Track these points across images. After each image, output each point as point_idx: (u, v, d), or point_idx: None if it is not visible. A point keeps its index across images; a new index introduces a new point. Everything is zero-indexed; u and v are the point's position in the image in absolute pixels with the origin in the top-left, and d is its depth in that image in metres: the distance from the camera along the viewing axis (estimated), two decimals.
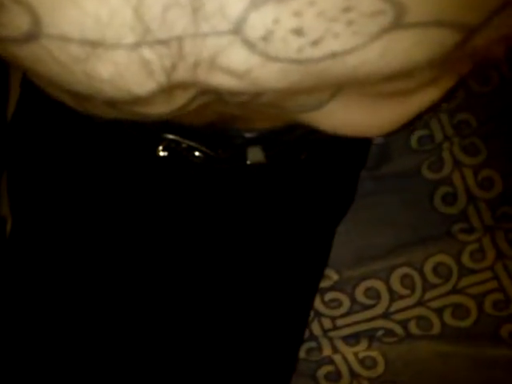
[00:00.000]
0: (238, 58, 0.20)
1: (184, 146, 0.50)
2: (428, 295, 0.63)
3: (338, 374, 0.64)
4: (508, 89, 0.63)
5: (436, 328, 0.63)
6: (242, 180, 0.56)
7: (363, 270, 0.63)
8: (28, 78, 0.27)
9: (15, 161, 0.60)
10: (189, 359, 0.59)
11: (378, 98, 0.28)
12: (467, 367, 0.62)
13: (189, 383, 0.59)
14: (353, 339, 0.64)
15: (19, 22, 0.19)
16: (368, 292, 0.63)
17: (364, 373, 0.64)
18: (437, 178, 0.63)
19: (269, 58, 0.20)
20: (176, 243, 0.58)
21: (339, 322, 0.64)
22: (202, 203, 0.57)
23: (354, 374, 0.64)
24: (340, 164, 0.62)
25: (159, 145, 0.50)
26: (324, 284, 0.64)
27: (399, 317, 0.63)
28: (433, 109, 0.30)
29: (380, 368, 0.63)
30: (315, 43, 0.20)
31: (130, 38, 0.20)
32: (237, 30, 0.20)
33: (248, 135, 0.48)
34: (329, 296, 0.64)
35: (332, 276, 0.64)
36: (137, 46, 0.20)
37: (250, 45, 0.20)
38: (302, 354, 0.64)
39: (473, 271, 0.63)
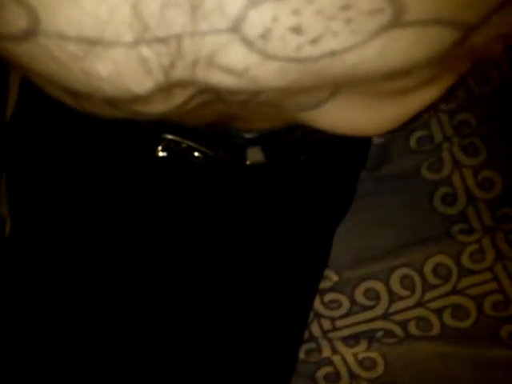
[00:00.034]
0: (236, 56, 0.20)
1: (183, 146, 0.50)
2: (428, 296, 0.63)
3: (337, 375, 0.64)
4: (508, 89, 0.63)
5: (436, 329, 0.63)
6: (241, 180, 0.56)
7: (363, 271, 0.63)
8: (27, 78, 0.27)
9: (14, 162, 0.60)
10: (188, 360, 0.59)
11: (378, 97, 0.28)
12: (467, 368, 0.62)
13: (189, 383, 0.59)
14: (352, 340, 0.64)
15: (17, 20, 0.19)
16: (368, 293, 0.63)
17: (363, 374, 0.64)
18: (436, 179, 0.63)
19: (267, 56, 0.20)
20: (176, 244, 0.58)
21: (339, 323, 0.64)
22: (201, 204, 0.57)
23: (353, 375, 0.64)
24: (340, 165, 0.61)
25: (158, 145, 0.50)
26: (323, 285, 0.64)
27: (399, 318, 0.63)
28: (432, 107, 0.30)
29: (379, 369, 0.63)
30: (314, 41, 0.20)
31: (128, 36, 0.20)
32: (235, 28, 0.20)
33: (248, 135, 0.48)
34: (328, 297, 0.64)
35: (332, 277, 0.64)
36: (135, 44, 0.20)
37: (248, 43, 0.20)
38: (301, 354, 0.64)
39: (472, 272, 0.63)
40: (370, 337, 0.63)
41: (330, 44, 0.20)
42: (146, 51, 0.20)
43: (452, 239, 0.63)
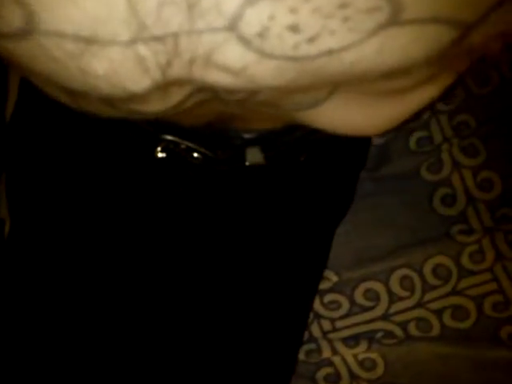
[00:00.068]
0: (233, 54, 0.20)
1: (183, 147, 0.50)
2: (427, 297, 0.63)
3: (337, 376, 0.64)
4: (508, 89, 0.63)
5: (435, 329, 0.63)
6: (240, 181, 0.56)
7: (362, 272, 0.63)
8: (26, 78, 0.27)
9: (14, 162, 0.60)
10: (188, 360, 0.59)
11: (376, 97, 0.28)
12: (467, 369, 0.62)
13: None
14: (352, 341, 0.64)
15: (14, 18, 0.19)
16: (367, 294, 0.63)
17: (363, 375, 0.63)
18: (436, 180, 0.63)
19: (264, 54, 0.20)
20: (175, 245, 0.58)
21: (338, 324, 0.64)
22: (200, 205, 0.57)
23: (353, 376, 0.64)
24: (339, 165, 0.61)
25: (158, 146, 0.50)
26: (323, 286, 0.64)
27: (399, 318, 0.63)
28: (431, 106, 0.30)
29: (379, 370, 0.63)
30: (311, 40, 0.20)
31: (125, 35, 0.20)
32: (232, 26, 0.20)
33: (247, 136, 0.48)
34: (328, 298, 0.64)
35: (331, 278, 0.64)
36: (132, 42, 0.20)
37: (245, 41, 0.20)
38: (301, 355, 0.64)
39: (472, 273, 0.63)
40: (370, 337, 0.63)
41: (328, 42, 0.20)
42: (142, 50, 0.20)
43: (452, 240, 0.63)
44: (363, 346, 0.63)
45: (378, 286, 0.63)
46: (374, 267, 0.63)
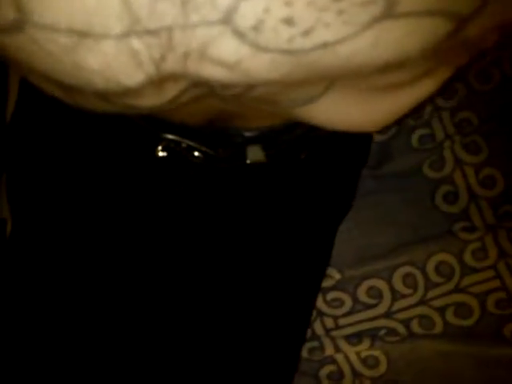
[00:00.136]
0: (228, 48, 0.20)
1: (183, 145, 0.50)
2: (430, 294, 0.63)
3: (340, 374, 0.64)
4: (510, 86, 0.63)
5: (438, 327, 0.63)
6: (242, 180, 0.56)
7: (365, 270, 0.63)
8: (24, 77, 0.27)
9: (15, 162, 0.60)
10: (190, 359, 0.59)
11: (373, 92, 0.27)
12: (470, 366, 0.62)
13: (190, 383, 0.59)
14: (355, 338, 0.64)
15: (6, 11, 0.19)
16: (370, 291, 0.63)
17: (366, 372, 0.63)
18: (438, 177, 0.63)
19: (259, 48, 0.20)
20: (176, 243, 0.58)
21: (341, 322, 0.64)
22: (201, 203, 0.57)
23: (356, 374, 0.64)
24: (341, 163, 0.61)
25: (158, 145, 0.50)
26: (326, 283, 0.64)
27: (401, 316, 0.63)
28: (430, 101, 0.30)
29: (382, 367, 0.63)
30: (306, 33, 0.20)
31: (118, 28, 0.19)
32: (227, 19, 0.19)
33: (248, 134, 0.48)
34: (331, 295, 0.64)
35: (334, 275, 0.64)
36: (125, 36, 0.20)
37: (240, 35, 0.20)
38: (304, 353, 0.64)
39: (475, 270, 0.63)
40: (373, 335, 0.63)
41: (322, 36, 0.20)
42: (136, 43, 0.20)
43: (454, 237, 0.63)
44: (366, 343, 0.63)
45: (380, 284, 0.63)
46: (377, 265, 0.63)
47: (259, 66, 0.21)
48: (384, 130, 0.63)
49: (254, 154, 0.50)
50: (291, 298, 0.61)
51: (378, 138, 0.63)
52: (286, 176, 0.57)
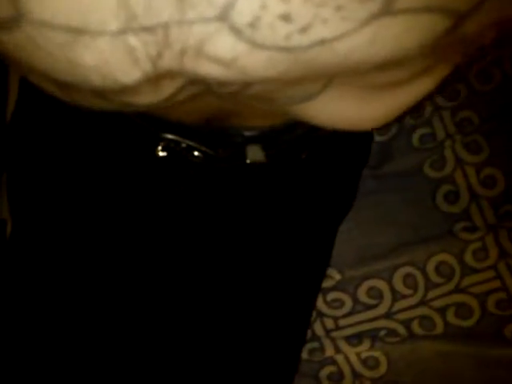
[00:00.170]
0: (224, 45, 0.20)
1: (183, 145, 0.50)
2: (431, 294, 0.63)
3: (340, 375, 0.64)
4: (510, 86, 0.63)
5: (439, 327, 0.63)
6: (242, 180, 0.56)
7: (365, 270, 0.63)
8: (23, 77, 0.27)
9: (15, 162, 0.60)
10: (191, 359, 0.59)
11: (371, 90, 0.27)
12: (470, 367, 0.62)
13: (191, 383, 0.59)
14: (355, 339, 0.63)
15: (1, 8, 0.19)
16: (370, 292, 0.63)
17: (366, 373, 0.63)
18: (439, 177, 0.63)
19: (256, 45, 0.20)
20: (176, 244, 0.58)
21: (341, 322, 0.64)
22: (201, 203, 0.57)
23: (356, 375, 0.64)
24: (342, 163, 0.61)
25: (158, 145, 0.50)
26: (326, 284, 0.63)
27: (402, 316, 0.63)
28: (429, 98, 0.30)
29: (382, 368, 0.63)
30: (303, 30, 0.20)
31: (114, 25, 0.19)
32: (223, 16, 0.19)
33: (248, 134, 0.48)
34: (331, 296, 0.64)
35: (334, 276, 0.63)
36: (121, 32, 0.20)
37: (236, 31, 0.20)
38: (304, 354, 0.64)
39: (475, 270, 0.63)
40: (373, 336, 0.63)
41: (320, 32, 0.20)
42: (132, 40, 0.20)
43: (455, 237, 0.63)
44: (366, 344, 0.63)
45: (381, 284, 0.63)
46: (377, 265, 0.63)
47: (256, 63, 0.21)
48: (384, 129, 0.63)
49: (254, 153, 0.50)
50: (291, 299, 0.61)
51: (378, 137, 0.63)
52: (286, 176, 0.57)
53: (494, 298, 0.62)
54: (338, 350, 0.64)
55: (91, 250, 0.57)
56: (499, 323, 0.62)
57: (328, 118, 0.29)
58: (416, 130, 0.63)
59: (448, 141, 0.63)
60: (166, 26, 0.20)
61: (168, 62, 0.21)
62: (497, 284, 0.63)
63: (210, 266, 0.59)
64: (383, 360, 0.63)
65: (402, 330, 0.63)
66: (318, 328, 0.64)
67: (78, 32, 0.20)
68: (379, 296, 0.63)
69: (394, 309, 0.63)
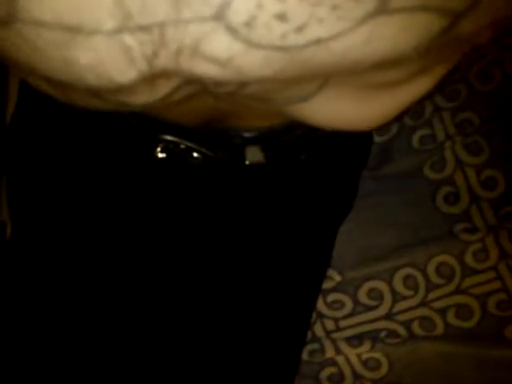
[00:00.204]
0: (220, 44, 0.20)
1: (182, 147, 0.50)
2: (431, 296, 0.63)
3: (341, 376, 0.64)
4: (511, 87, 0.62)
5: (439, 328, 0.63)
6: (241, 181, 0.56)
7: (366, 271, 0.63)
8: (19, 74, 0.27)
9: (14, 164, 0.60)
10: (190, 361, 0.59)
11: (368, 90, 0.27)
12: (471, 368, 0.62)
13: None
14: (356, 340, 0.63)
15: None
16: (371, 293, 0.63)
17: (367, 374, 0.63)
18: (439, 178, 0.63)
19: (252, 44, 0.20)
20: (176, 245, 0.58)
21: (342, 324, 0.64)
22: (201, 204, 0.57)
23: (357, 376, 0.63)
24: (341, 164, 0.61)
25: (157, 146, 0.50)
26: (326, 285, 0.63)
27: (402, 318, 0.63)
28: (427, 98, 0.29)
29: (383, 369, 0.63)
30: (299, 29, 0.20)
31: (109, 24, 0.19)
32: (219, 15, 0.19)
33: (247, 135, 0.48)
34: (331, 297, 0.64)
35: (334, 277, 0.63)
36: (117, 31, 0.20)
37: (232, 31, 0.20)
38: (304, 355, 0.64)
39: (476, 271, 0.63)
40: (374, 337, 0.63)
41: (316, 31, 0.20)
42: (128, 39, 0.20)
43: (455, 238, 0.63)
44: (367, 345, 0.63)
45: (381, 285, 0.63)
46: (378, 266, 0.63)
47: (252, 62, 0.21)
48: (384, 130, 0.63)
49: (253, 154, 0.49)
50: (291, 300, 0.61)
51: (378, 138, 0.63)
52: (286, 177, 0.57)
53: (494, 298, 0.62)
54: (338, 352, 0.64)
55: (91, 252, 0.57)
56: (500, 324, 0.62)
57: (325, 117, 0.29)
58: (416, 131, 0.63)
59: (448, 142, 0.63)
60: (161, 26, 0.20)
61: (164, 61, 0.21)
62: (497, 285, 0.62)
63: (210, 268, 0.59)
64: (384, 361, 0.63)
65: (402, 331, 0.63)
66: (318, 329, 0.64)
67: (74, 31, 0.19)
68: (379, 297, 0.63)
69: (395, 310, 0.63)
